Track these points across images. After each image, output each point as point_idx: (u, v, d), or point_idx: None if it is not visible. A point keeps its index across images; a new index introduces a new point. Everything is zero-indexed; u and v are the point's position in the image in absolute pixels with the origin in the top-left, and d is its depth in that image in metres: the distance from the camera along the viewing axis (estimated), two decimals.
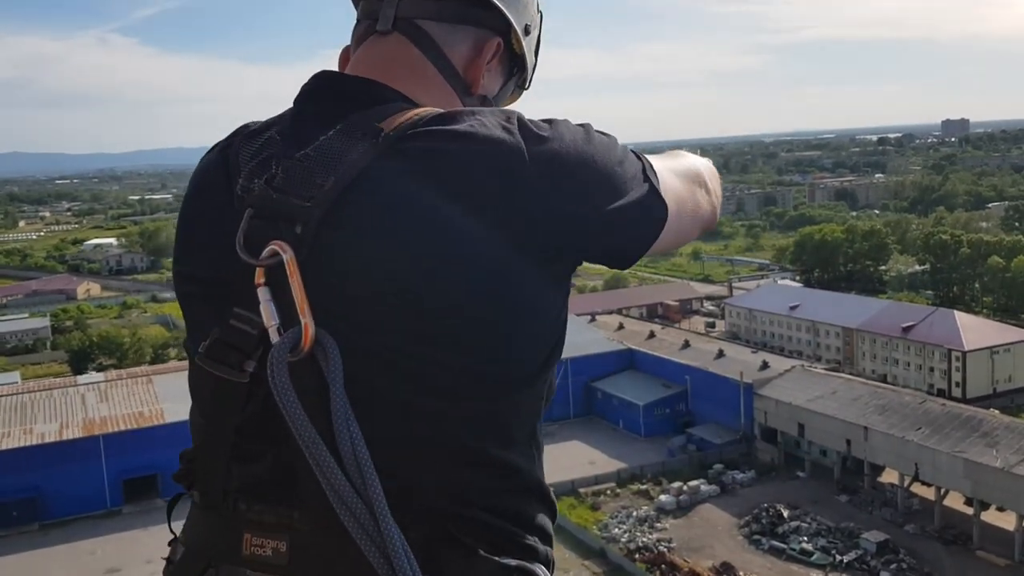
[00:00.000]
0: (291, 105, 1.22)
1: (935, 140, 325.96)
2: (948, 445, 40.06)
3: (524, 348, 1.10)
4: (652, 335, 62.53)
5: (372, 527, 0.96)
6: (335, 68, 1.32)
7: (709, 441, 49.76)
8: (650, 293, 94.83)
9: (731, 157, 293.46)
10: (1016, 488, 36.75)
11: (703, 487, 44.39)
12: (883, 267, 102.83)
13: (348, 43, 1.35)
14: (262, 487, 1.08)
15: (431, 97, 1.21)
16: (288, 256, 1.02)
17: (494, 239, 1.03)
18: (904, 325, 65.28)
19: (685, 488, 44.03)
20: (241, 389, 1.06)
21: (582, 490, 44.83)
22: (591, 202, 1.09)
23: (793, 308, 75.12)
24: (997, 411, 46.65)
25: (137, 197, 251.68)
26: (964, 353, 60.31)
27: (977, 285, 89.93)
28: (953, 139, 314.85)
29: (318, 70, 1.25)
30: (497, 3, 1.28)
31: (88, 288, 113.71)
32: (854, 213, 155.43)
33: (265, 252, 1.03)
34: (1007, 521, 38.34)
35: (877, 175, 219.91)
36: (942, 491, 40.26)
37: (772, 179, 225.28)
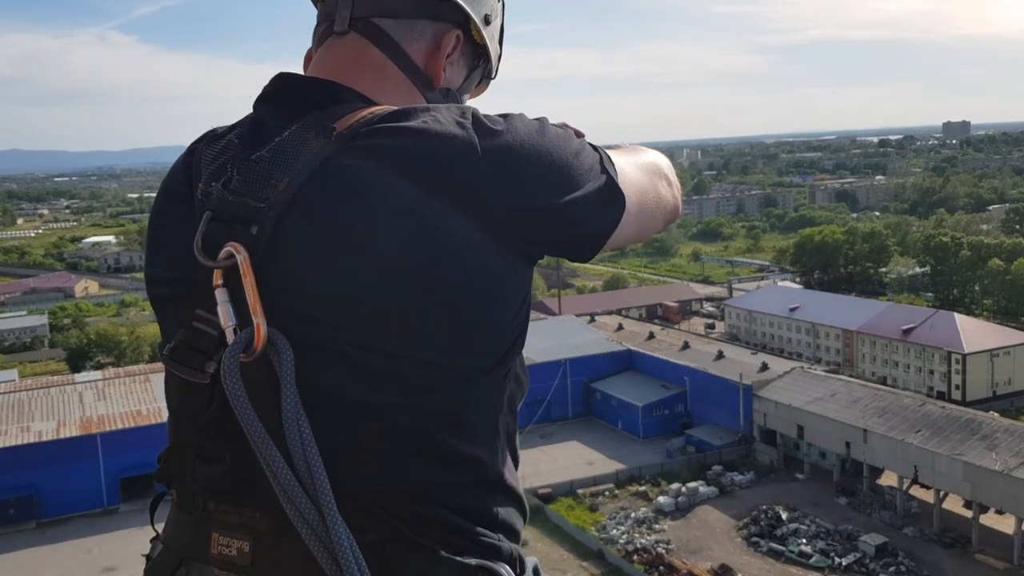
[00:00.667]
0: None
1: (936, 142, 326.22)
2: (947, 448, 40.01)
3: (482, 341, 1.09)
4: (651, 336, 62.51)
5: (320, 526, 0.95)
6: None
7: (708, 442, 49.67)
8: (650, 294, 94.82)
9: (731, 158, 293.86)
10: (1015, 491, 36.70)
11: (702, 488, 44.31)
12: (883, 269, 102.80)
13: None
14: (225, 487, 1.09)
15: (391, 94, 1.22)
16: (242, 257, 1.03)
17: (449, 234, 1.04)
18: (904, 327, 65.27)
19: (684, 489, 43.95)
20: (203, 390, 1.08)
21: (580, 491, 44.78)
22: (546, 195, 1.09)
23: (793, 310, 75.12)
24: (997, 414, 46.65)
25: (136, 195, 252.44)
26: (964, 356, 60.31)
27: (977, 288, 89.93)
28: (954, 141, 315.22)
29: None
30: None
31: (86, 286, 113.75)
32: (854, 215, 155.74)
33: (221, 254, 1.04)
34: (1006, 524, 38.29)
35: (878, 177, 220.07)
36: (941, 494, 40.20)
37: (772, 180, 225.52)
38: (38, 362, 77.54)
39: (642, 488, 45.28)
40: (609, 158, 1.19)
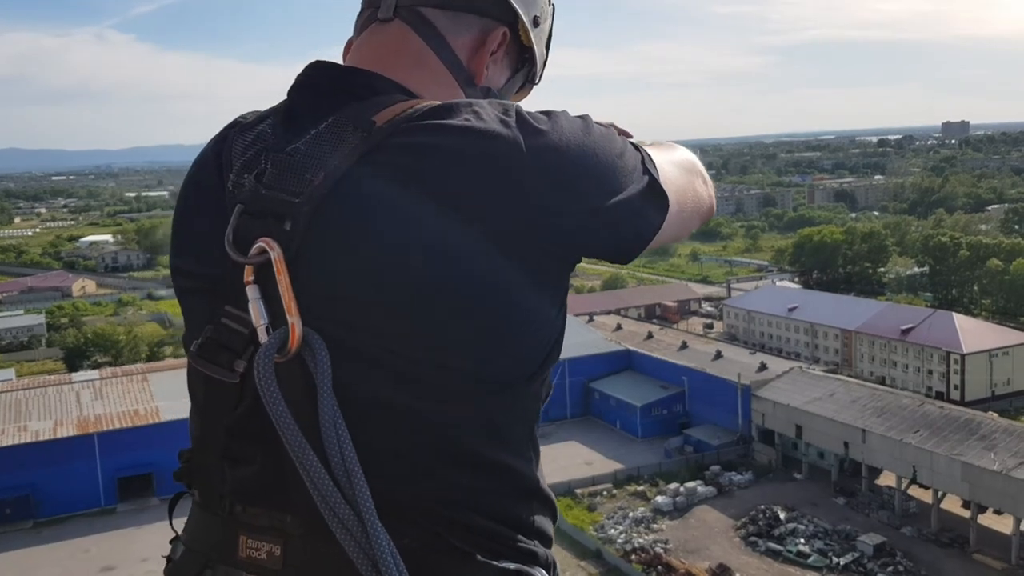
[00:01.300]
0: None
1: (935, 142, 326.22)
2: (946, 448, 40.00)
3: (520, 348, 1.06)
4: (650, 336, 62.52)
5: (359, 532, 0.93)
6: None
7: (706, 442, 49.62)
8: (648, 294, 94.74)
9: (730, 158, 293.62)
10: (1014, 491, 36.69)
11: (700, 488, 44.26)
12: (882, 269, 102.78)
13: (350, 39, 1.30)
14: (255, 490, 1.06)
15: (431, 87, 1.18)
16: (275, 254, 0.99)
17: (490, 237, 0.99)
18: (903, 327, 65.23)
19: (682, 489, 43.91)
20: (232, 389, 1.05)
21: (579, 491, 44.70)
22: (591, 197, 1.05)
23: (792, 310, 75.07)
24: (995, 414, 46.64)
25: (133, 194, 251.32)
26: (963, 356, 60.27)
27: (976, 288, 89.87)
28: (953, 141, 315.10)
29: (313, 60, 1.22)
30: None
31: (83, 285, 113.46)
32: (853, 215, 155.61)
33: (253, 250, 1.01)
34: (1004, 524, 38.27)
35: (877, 177, 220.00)
36: (939, 494, 40.17)
37: (771, 180, 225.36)
38: (35, 361, 77.34)
39: (640, 488, 45.23)
40: (651, 158, 1.15)
